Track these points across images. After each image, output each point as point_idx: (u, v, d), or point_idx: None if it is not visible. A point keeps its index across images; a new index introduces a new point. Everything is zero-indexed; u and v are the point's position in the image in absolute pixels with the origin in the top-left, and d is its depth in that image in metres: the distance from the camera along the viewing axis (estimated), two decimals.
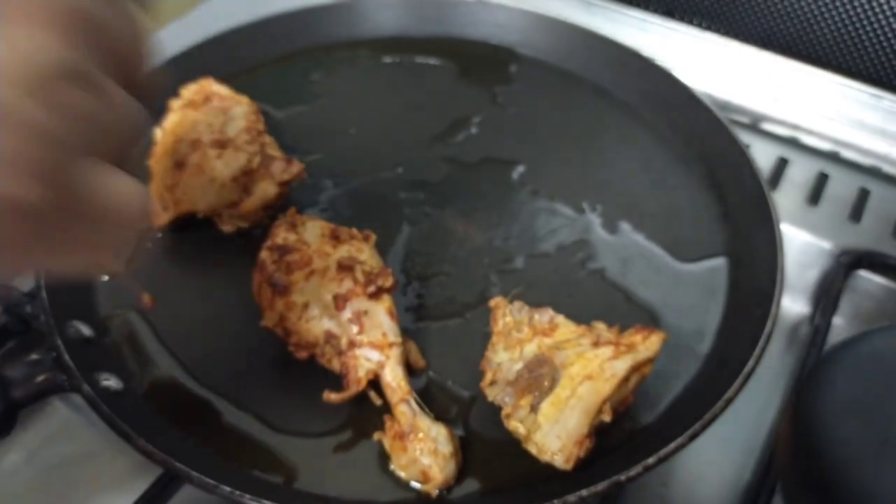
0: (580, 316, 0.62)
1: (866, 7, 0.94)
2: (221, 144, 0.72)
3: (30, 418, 0.69)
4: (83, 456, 0.67)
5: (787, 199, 0.88)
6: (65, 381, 0.59)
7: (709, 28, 1.06)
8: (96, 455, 0.67)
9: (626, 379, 0.56)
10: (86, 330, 0.64)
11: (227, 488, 0.52)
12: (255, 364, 0.65)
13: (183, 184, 0.71)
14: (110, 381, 0.60)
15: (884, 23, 0.94)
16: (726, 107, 1.00)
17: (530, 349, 0.59)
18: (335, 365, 0.59)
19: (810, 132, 0.98)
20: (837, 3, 0.96)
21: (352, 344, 0.58)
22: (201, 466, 0.54)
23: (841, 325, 0.80)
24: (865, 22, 0.94)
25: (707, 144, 0.84)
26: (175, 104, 0.77)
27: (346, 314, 0.58)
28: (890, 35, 0.94)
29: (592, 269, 0.74)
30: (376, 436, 0.58)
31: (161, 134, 0.76)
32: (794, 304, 0.83)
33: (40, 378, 0.59)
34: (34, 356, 0.60)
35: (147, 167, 0.76)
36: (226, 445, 0.60)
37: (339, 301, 0.58)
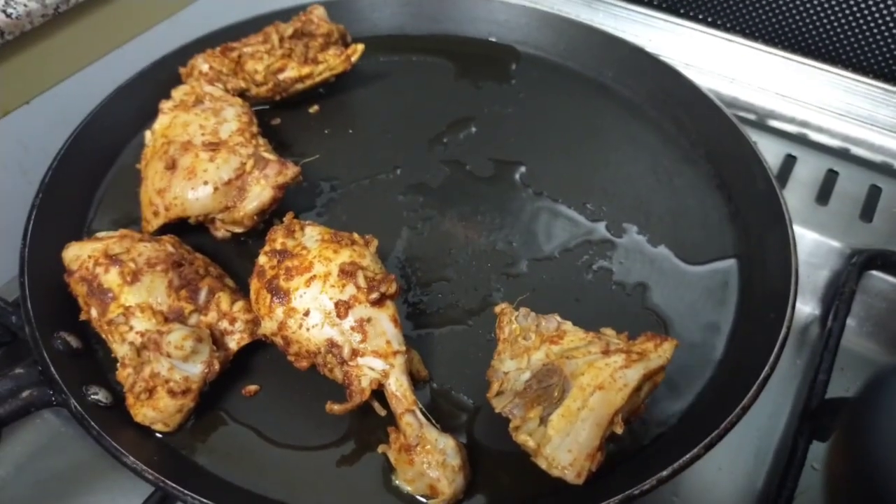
0: (587, 321, 0.59)
1: (878, 1, 0.91)
2: (214, 147, 0.70)
3: (17, 431, 0.66)
4: (74, 469, 0.65)
5: (795, 197, 0.86)
6: (51, 395, 0.57)
7: (714, 24, 1.04)
8: (88, 468, 0.64)
9: (638, 388, 0.54)
10: (74, 341, 0.61)
11: None
12: (252, 375, 0.63)
13: (174, 187, 0.68)
14: (99, 395, 0.58)
15: None
16: (733, 104, 0.98)
17: (538, 357, 0.56)
18: (337, 375, 0.57)
19: (819, 129, 0.96)
20: None
21: (354, 353, 0.56)
22: (195, 485, 0.52)
23: (853, 327, 0.79)
24: (878, 16, 0.92)
25: (714, 143, 0.82)
26: (166, 105, 0.74)
27: (349, 322, 0.56)
28: None
29: (598, 273, 0.72)
30: (381, 448, 0.56)
31: (151, 136, 0.73)
32: (804, 306, 0.81)
33: (25, 393, 0.57)
34: (19, 370, 0.58)
35: (137, 171, 0.74)
36: (221, 461, 0.57)
37: (342, 308, 0.56)
